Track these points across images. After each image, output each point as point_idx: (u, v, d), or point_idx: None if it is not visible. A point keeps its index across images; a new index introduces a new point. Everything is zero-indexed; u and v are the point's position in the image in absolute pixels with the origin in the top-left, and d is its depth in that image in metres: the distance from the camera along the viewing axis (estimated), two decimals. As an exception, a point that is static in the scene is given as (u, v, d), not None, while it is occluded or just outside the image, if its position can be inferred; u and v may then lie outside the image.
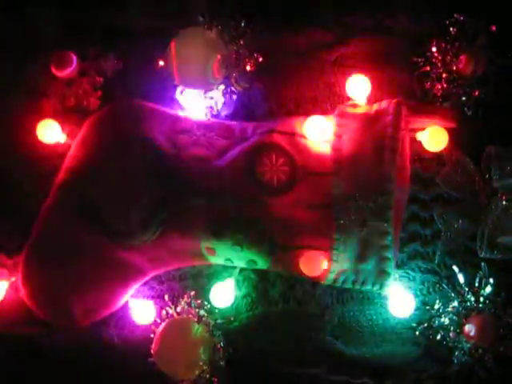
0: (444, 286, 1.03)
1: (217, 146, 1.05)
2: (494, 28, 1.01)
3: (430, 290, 1.05)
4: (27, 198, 1.11)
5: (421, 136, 1.05)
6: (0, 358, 1.08)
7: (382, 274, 0.98)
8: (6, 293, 1.06)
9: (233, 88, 1.07)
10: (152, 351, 1.00)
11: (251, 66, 1.06)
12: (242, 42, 1.05)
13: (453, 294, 1.00)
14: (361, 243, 0.98)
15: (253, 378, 1.05)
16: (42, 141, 1.09)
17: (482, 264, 1.00)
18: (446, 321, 0.99)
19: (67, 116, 1.11)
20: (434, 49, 1.04)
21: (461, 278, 1.00)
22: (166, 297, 1.05)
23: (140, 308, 1.05)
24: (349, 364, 1.04)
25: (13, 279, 1.06)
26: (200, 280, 1.09)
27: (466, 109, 1.04)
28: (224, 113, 1.10)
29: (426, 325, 1.01)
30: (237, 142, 1.05)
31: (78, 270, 1.02)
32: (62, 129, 1.09)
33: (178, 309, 1.02)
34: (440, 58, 1.04)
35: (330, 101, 1.11)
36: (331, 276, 1.00)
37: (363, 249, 0.98)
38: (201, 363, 0.98)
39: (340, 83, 1.11)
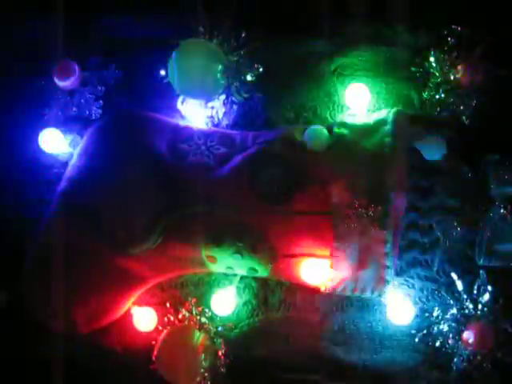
0: (443, 293, 1.02)
1: (217, 156, 1.06)
2: (491, 39, 1.02)
3: (429, 297, 1.04)
4: (29, 206, 1.12)
5: (419, 145, 1.05)
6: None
7: (381, 282, 0.99)
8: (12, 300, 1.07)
9: (233, 98, 1.09)
10: (154, 358, 1.01)
11: (251, 76, 1.07)
12: (242, 53, 1.06)
13: (451, 302, 1.01)
14: (360, 251, 0.99)
15: (253, 384, 1.06)
16: (44, 150, 1.11)
17: (481, 271, 1.00)
18: (445, 328, 1.00)
19: (69, 125, 1.12)
20: (432, 59, 1.05)
21: (459, 285, 1.00)
22: (168, 304, 1.06)
23: (142, 315, 1.06)
24: (349, 371, 1.04)
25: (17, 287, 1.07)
26: (201, 287, 1.09)
27: (463, 118, 1.05)
28: (224, 122, 1.12)
29: (425, 332, 1.01)
30: (237, 152, 1.06)
31: (79, 278, 1.03)
32: (64, 138, 1.10)
33: (180, 316, 1.03)
34: (438, 68, 1.05)
35: (330, 110, 1.12)
36: (331, 283, 1.01)
37: (362, 256, 0.99)
38: (202, 370, 0.99)
39: (339, 93, 1.12)
